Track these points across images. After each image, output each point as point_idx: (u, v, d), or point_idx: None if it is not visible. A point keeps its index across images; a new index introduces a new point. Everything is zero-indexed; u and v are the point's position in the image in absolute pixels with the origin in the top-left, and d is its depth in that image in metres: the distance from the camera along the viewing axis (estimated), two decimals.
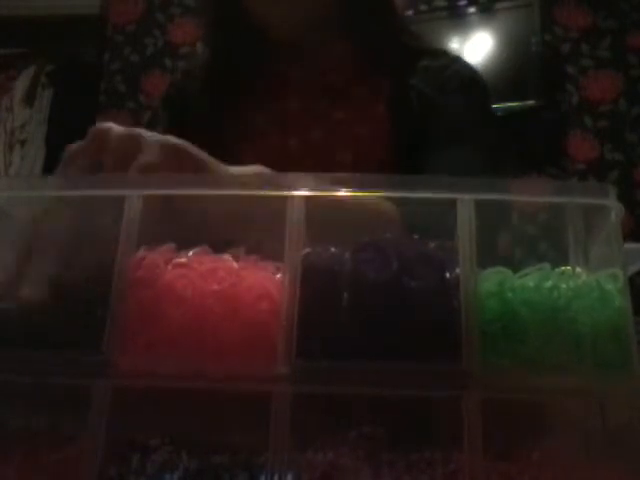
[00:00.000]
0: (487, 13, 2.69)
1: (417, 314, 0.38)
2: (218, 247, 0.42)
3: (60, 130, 2.95)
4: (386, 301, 0.38)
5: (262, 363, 0.38)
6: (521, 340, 0.38)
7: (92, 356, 0.37)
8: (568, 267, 0.40)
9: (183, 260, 0.41)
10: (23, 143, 3.04)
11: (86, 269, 0.42)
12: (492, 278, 0.40)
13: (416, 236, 0.41)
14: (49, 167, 2.83)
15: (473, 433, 0.35)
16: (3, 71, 3.18)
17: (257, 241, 0.43)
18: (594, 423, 0.36)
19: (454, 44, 2.61)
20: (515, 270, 0.40)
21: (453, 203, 0.40)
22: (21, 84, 3.12)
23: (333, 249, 0.40)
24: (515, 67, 2.54)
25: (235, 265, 0.41)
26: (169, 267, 0.40)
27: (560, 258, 0.40)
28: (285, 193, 0.41)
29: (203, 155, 0.51)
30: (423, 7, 2.78)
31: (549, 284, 0.39)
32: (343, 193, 0.41)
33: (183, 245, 0.42)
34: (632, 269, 1.85)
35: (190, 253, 0.41)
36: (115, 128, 0.51)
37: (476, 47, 2.63)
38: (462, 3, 2.77)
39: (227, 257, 0.41)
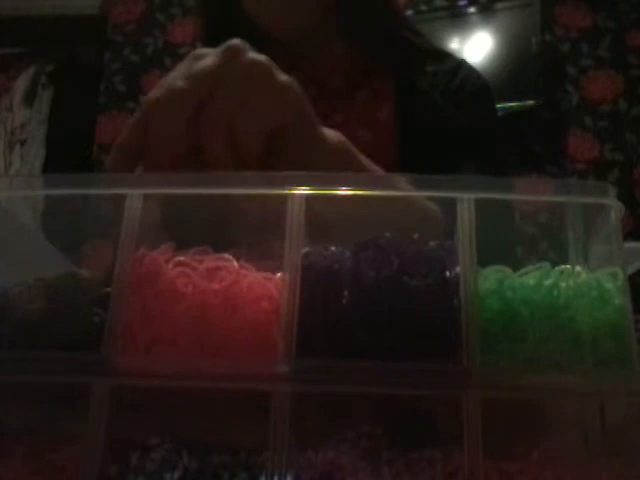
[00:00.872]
0: (487, 13, 2.69)
1: (417, 313, 0.38)
2: (218, 247, 0.42)
3: (60, 130, 2.95)
4: (386, 300, 0.38)
5: (262, 362, 0.37)
6: (521, 339, 0.38)
7: (92, 355, 0.37)
8: (568, 266, 0.40)
9: (183, 259, 0.41)
10: (23, 143, 3.03)
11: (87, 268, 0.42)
12: (492, 277, 0.40)
13: (416, 235, 0.41)
14: (49, 167, 2.83)
15: (473, 432, 0.35)
16: (3, 71, 3.18)
17: (257, 240, 0.43)
18: (594, 422, 0.36)
19: (454, 44, 2.61)
20: (515, 269, 0.40)
21: (453, 202, 0.40)
22: (21, 84, 3.12)
23: (333, 248, 0.40)
24: (515, 67, 2.53)
25: (235, 264, 0.41)
26: (169, 266, 0.40)
27: (560, 257, 0.40)
28: (285, 192, 0.40)
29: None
30: (423, 7, 2.78)
31: (549, 283, 0.39)
32: (343, 193, 0.41)
33: (183, 245, 0.42)
34: (632, 268, 1.85)
35: (190, 252, 0.41)
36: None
37: (476, 47, 2.63)
38: (462, 3, 2.77)
39: (227, 256, 0.41)
